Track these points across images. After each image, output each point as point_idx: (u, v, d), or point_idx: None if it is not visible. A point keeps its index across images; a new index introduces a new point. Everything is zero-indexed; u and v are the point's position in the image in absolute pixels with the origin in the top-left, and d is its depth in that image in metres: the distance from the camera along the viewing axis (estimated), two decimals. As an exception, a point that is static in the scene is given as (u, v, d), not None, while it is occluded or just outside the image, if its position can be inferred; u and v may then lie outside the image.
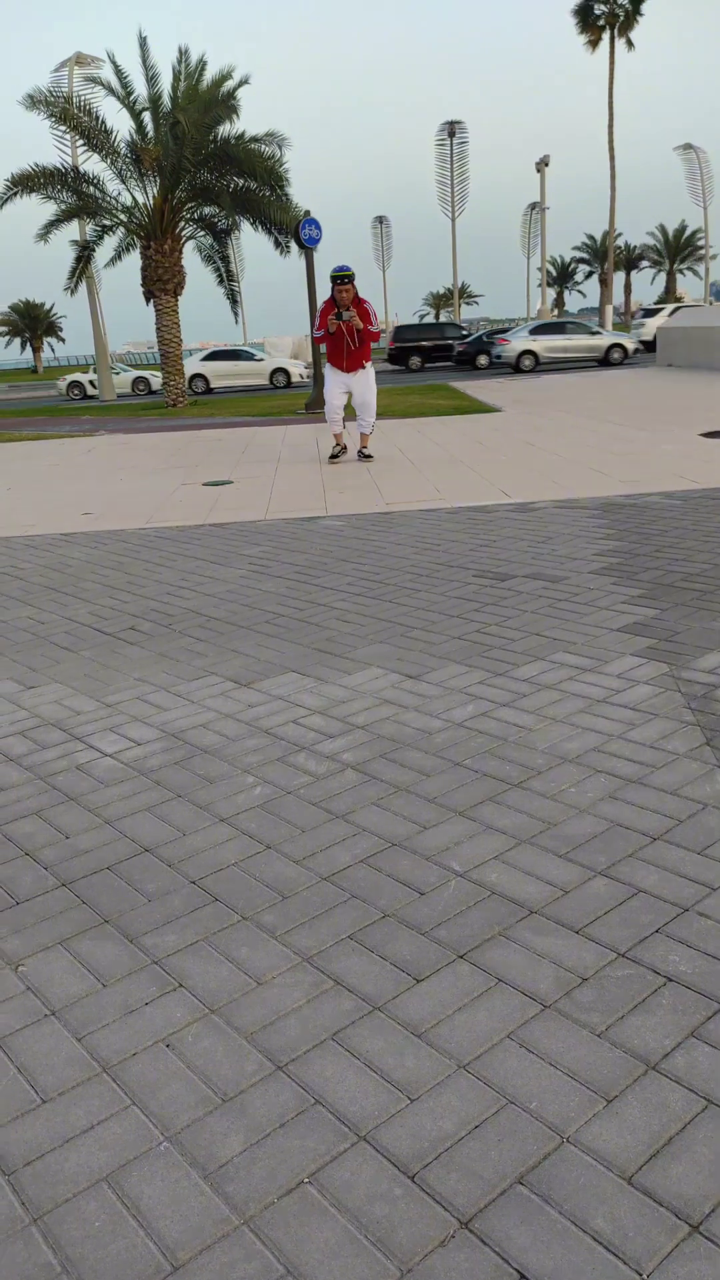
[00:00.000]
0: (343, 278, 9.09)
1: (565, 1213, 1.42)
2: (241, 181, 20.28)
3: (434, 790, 2.74)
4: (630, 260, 73.75)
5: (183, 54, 20.51)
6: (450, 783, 2.77)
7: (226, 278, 22.88)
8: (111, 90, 20.45)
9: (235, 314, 23.93)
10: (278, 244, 21.09)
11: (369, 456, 9.44)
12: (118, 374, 32.58)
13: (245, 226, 21.30)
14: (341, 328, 9.10)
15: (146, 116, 20.79)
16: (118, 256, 22.16)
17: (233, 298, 23.15)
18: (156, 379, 29.05)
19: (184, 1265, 1.38)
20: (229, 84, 20.37)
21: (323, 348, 9.66)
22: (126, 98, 20.55)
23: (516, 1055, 1.73)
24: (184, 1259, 1.39)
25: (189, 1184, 1.51)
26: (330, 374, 9.54)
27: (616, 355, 26.88)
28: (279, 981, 1.97)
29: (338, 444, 9.67)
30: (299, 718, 3.33)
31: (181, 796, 2.83)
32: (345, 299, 9.07)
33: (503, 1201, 1.44)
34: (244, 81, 20.64)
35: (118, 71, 20.32)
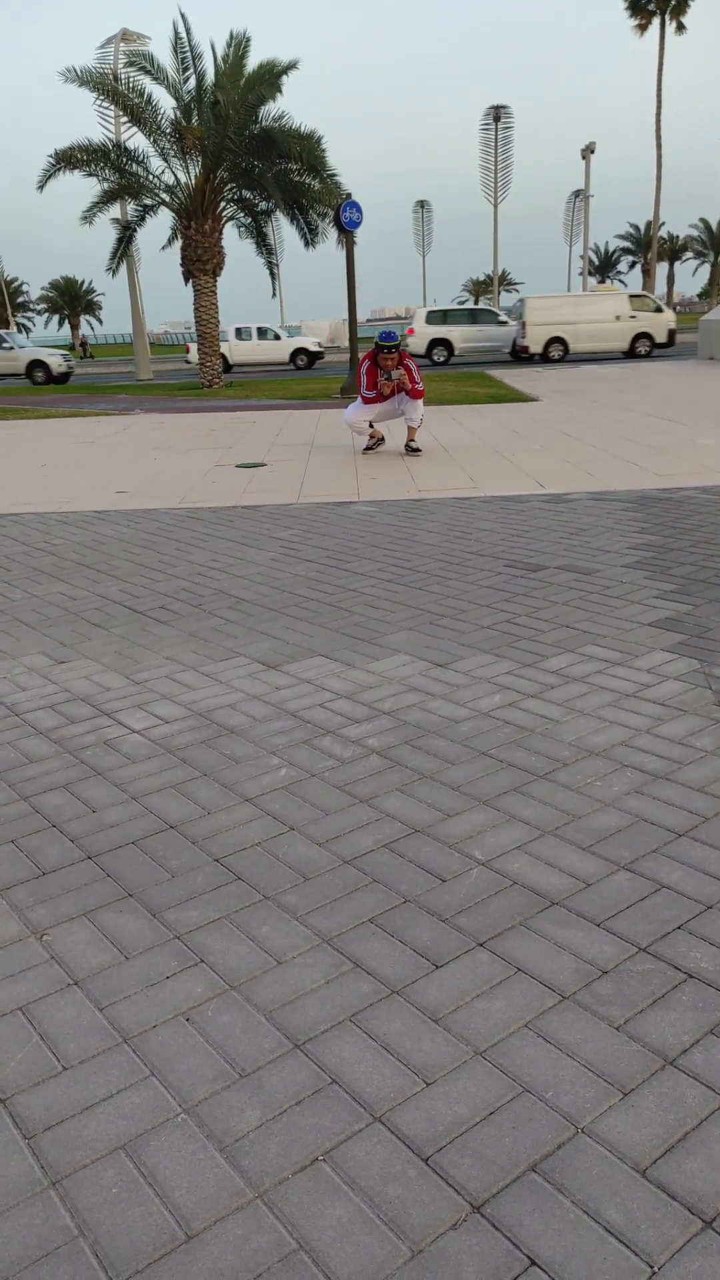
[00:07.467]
0: (390, 348, 8.91)
1: (578, 1202, 1.42)
2: (282, 165, 20.14)
3: (458, 778, 2.74)
4: (674, 251, 72.64)
5: (234, 38, 20.34)
6: (475, 771, 2.77)
7: (266, 253, 22.82)
8: (163, 68, 20.27)
9: (273, 289, 23.91)
10: (312, 236, 20.91)
11: (417, 450, 9.20)
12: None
13: (283, 212, 21.12)
14: (390, 388, 9.05)
15: (191, 94, 20.68)
16: (174, 237, 21.98)
17: (272, 273, 23.12)
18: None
19: (198, 1235, 1.40)
20: (273, 66, 20.21)
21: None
22: (181, 71, 20.37)
23: (533, 1044, 1.73)
24: (198, 1229, 1.41)
25: (205, 1156, 1.53)
26: (358, 404, 9.41)
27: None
28: (299, 961, 1.99)
29: (373, 437, 9.48)
30: (325, 701, 3.34)
31: (207, 775, 2.85)
32: (390, 366, 8.95)
33: (515, 1188, 1.45)
34: (291, 65, 20.47)
35: (177, 41, 20.03)
